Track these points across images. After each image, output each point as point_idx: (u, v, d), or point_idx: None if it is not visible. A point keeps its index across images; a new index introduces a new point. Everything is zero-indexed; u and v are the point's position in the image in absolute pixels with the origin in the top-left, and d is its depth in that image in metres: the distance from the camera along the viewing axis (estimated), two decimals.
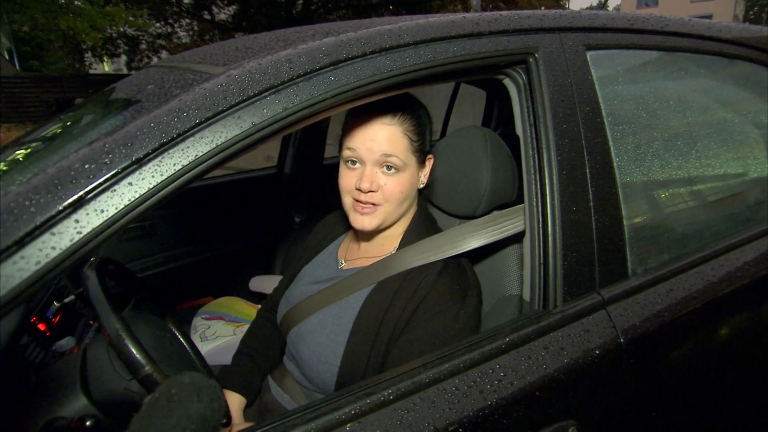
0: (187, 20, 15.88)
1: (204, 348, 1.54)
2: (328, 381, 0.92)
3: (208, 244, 2.18)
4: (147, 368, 0.79)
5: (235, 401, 1.07)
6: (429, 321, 0.88)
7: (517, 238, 1.00)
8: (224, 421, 0.57)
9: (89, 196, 0.58)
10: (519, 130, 0.92)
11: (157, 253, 2.07)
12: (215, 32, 15.76)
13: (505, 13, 0.93)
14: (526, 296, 0.92)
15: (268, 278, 2.05)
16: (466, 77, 0.92)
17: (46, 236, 0.55)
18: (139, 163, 0.61)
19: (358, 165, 0.94)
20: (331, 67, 0.73)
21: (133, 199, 0.60)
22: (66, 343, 1.24)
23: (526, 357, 0.80)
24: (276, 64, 0.71)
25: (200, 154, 0.64)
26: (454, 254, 0.95)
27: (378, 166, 0.93)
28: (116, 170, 0.59)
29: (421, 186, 1.02)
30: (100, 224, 0.58)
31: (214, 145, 0.65)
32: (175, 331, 1.14)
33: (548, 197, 0.87)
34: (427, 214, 1.08)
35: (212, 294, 2.03)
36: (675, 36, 1.06)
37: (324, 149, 2.38)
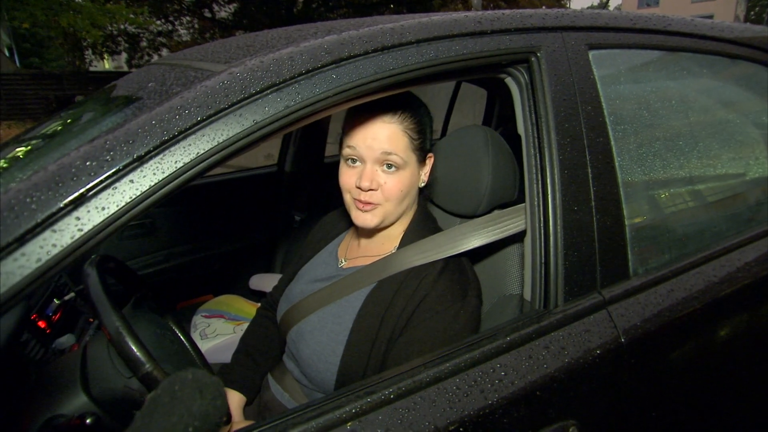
0: (188, 18, 15.86)
1: (204, 346, 1.54)
2: (328, 380, 0.92)
3: (208, 242, 2.18)
4: (147, 366, 0.79)
5: (234, 399, 1.07)
6: (429, 320, 0.88)
7: (518, 237, 1.00)
8: (224, 419, 0.56)
9: (90, 193, 0.57)
10: (521, 130, 0.92)
11: (157, 251, 2.07)
12: (216, 30, 15.74)
13: (507, 12, 0.92)
14: (527, 296, 0.91)
15: (268, 276, 2.05)
16: (468, 76, 0.91)
17: (47, 233, 0.55)
18: (141, 160, 0.60)
19: (358, 163, 0.94)
20: (333, 65, 0.73)
21: (134, 197, 0.59)
22: (66, 340, 1.24)
23: (527, 356, 0.80)
24: (278, 61, 0.71)
25: (201, 151, 0.64)
26: (454, 253, 0.95)
27: (378, 165, 0.93)
28: (117, 167, 0.59)
29: (422, 185, 1.02)
30: (101, 222, 0.58)
31: (216, 143, 0.65)
32: (175, 329, 1.14)
33: (549, 197, 0.87)
34: (428, 213, 1.08)
35: (212, 292, 2.03)
36: (677, 36, 1.06)
37: (324, 148, 2.37)
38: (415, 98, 0.98)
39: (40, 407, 0.84)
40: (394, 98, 0.90)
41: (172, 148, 0.62)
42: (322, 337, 0.95)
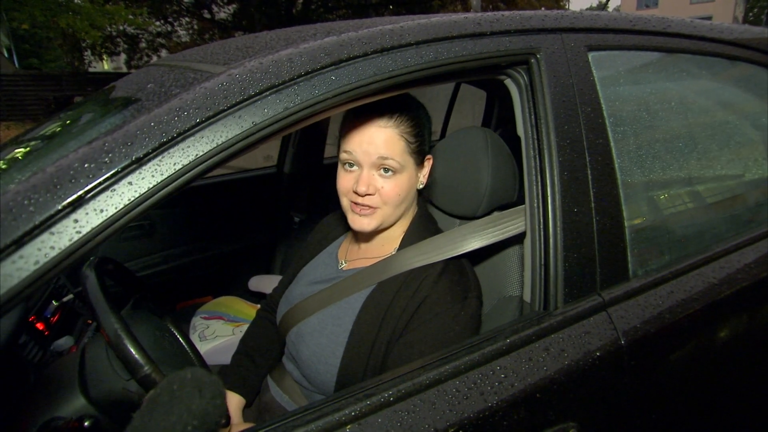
0: (187, 19, 15.86)
1: (203, 348, 1.54)
2: (328, 382, 0.92)
3: (207, 244, 2.18)
4: (146, 368, 0.79)
5: (234, 401, 1.07)
6: (429, 322, 0.88)
7: (517, 239, 1.00)
8: (223, 421, 0.56)
9: (89, 195, 0.57)
10: (520, 131, 0.92)
11: (156, 253, 2.06)
12: (215, 31, 15.75)
13: (507, 13, 0.92)
14: (527, 297, 0.91)
15: (267, 278, 2.05)
16: (468, 77, 0.91)
17: (45, 236, 0.55)
18: (139, 162, 0.60)
19: (355, 168, 0.94)
20: (333, 67, 0.73)
21: (132, 199, 0.59)
22: (64, 342, 1.24)
23: (527, 358, 0.80)
24: (277, 63, 0.71)
25: (201, 153, 0.64)
26: (454, 255, 0.95)
27: (375, 169, 0.93)
28: (116, 169, 0.59)
29: (421, 187, 1.02)
30: (100, 224, 0.57)
31: (215, 145, 0.64)
32: (174, 331, 1.14)
33: (549, 198, 0.87)
34: (428, 214, 1.08)
35: (211, 293, 2.03)
36: (677, 37, 1.06)
37: (324, 149, 2.37)
38: (412, 100, 0.98)
39: (38, 409, 0.84)
40: (390, 101, 0.90)
41: (171, 150, 0.62)
42: (322, 339, 0.94)
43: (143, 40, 15.36)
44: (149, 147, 0.61)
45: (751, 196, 1.25)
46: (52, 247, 0.55)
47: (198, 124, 0.64)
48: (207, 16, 15.56)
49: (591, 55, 0.96)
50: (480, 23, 0.86)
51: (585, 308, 0.87)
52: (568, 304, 0.86)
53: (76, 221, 0.56)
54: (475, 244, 0.97)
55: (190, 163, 0.63)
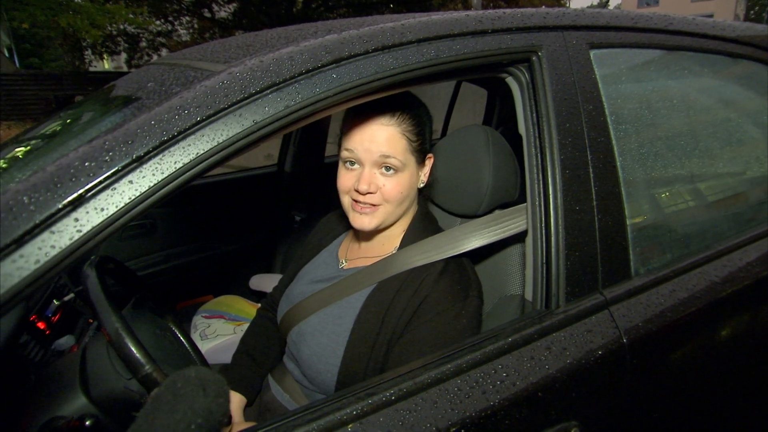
0: (188, 18, 15.84)
1: (204, 347, 1.54)
2: (329, 381, 0.91)
3: (208, 243, 2.18)
4: (147, 367, 0.79)
5: (235, 400, 1.07)
6: (430, 321, 0.87)
7: (519, 237, 1.00)
8: (225, 420, 0.56)
9: (89, 194, 0.57)
10: (522, 129, 0.92)
11: (157, 252, 2.06)
12: (215, 30, 15.73)
13: (508, 11, 0.92)
14: (529, 296, 0.91)
15: (268, 277, 2.05)
16: (469, 75, 0.91)
17: (45, 235, 0.55)
18: (140, 161, 0.60)
19: (356, 166, 0.94)
20: (334, 65, 0.73)
21: (133, 198, 0.59)
22: (65, 341, 1.24)
23: (529, 357, 0.80)
24: (278, 61, 0.71)
25: (201, 152, 0.63)
26: (455, 254, 0.95)
27: (376, 167, 0.92)
28: (116, 168, 0.59)
29: (422, 185, 1.01)
30: (100, 223, 0.57)
31: (216, 143, 0.64)
32: (175, 330, 1.14)
33: (551, 196, 0.86)
34: (428, 213, 1.08)
35: (212, 292, 2.03)
36: (679, 35, 1.06)
37: (324, 148, 2.37)
38: (413, 99, 0.98)
39: (39, 409, 0.84)
40: (391, 100, 0.89)
41: (172, 149, 0.62)
42: (323, 338, 0.94)
43: (144, 39, 15.35)
44: (150, 145, 0.61)
45: (753, 194, 1.25)
46: (53, 246, 0.55)
47: (199, 122, 0.64)
48: (207, 15, 15.54)
49: (593, 53, 0.95)
50: (481, 21, 0.86)
51: (587, 307, 0.86)
52: (570, 302, 0.86)
53: (76, 220, 0.56)
54: (476, 242, 0.96)
55: (190, 161, 0.63)
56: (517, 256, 1.02)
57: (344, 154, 0.94)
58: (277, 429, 0.66)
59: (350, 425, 0.67)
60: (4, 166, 0.82)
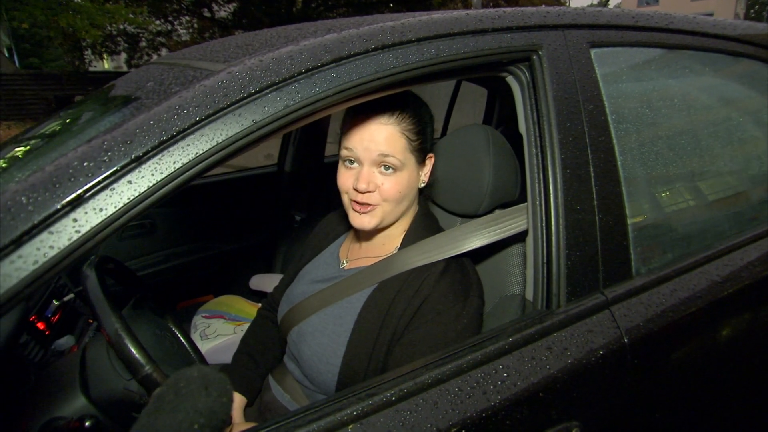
0: (187, 18, 15.82)
1: (204, 347, 1.54)
2: (329, 381, 0.91)
3: (208, 243, 2.18)
4: (147, 368, 0.79)
5: (235, 401, 1.06)
6: (431, 322, 0.87)
7: (519, 237, 1.00)
8: (227, 419, 0.56)
9: (88, 194, 0.57)
10: (522, 128, 0.92)
11: (157, 252, 2.06)
12: (215, 30, 15.71)
13: (508, 10, 0.92)
14: (529, 296, 0.91)
15: (268, 277, 2.05)
16: (469, 75, 0.91)
17: (44, 235, 0.54)
18: (139, 161, 0.60)
19: (355, 165, 0.93)
20: (333, 64, 0.72)
21: (132, 198, 0.59)
22: (65, 342, 1.24)
23: (530, 357, 0.79)
24: (277, 60, 0.70)
25: (200, 152, 0.63)
26: (456, 254, 0.94)
27: (375, 166, 0.92)
28: (115, 168, 0.58)
29: (422, 185, 1.01)
30: (99, 223, 0.57)
31: (215, 143, 0.64)
32: (175, 330, 1.14)
33: (551, 196, 0.86)
34: (429, 213, 1.07)
35: (212, 292, 2.03)
36: (679, 33, 1.06)
37: (324, 147, 2.37)
38: (414, 98, 0.98)
39: (39, 409, 0.84)
40: (392, 98, 0.89)
41: (171, 149, 0.62)
42: (323, 338, 0.94)
43: (143, 39, 15.33)
44: (149, 145, 0.60)
45: (755, 194, 1.24)
46: (51, 247, 0.55)
47: (198, 122, 0.63)
48: (207, 14, 15.52)
49: (593, 52, 0.95)
50: (482, 20, 0.86)
51: (588, 307, 0.86)
52: (571, 302, 0.86)
53: (75, 220, 0.56)
54: (476, 242, 0.96)
55: (190, 161, 0.62)
56: (518, 255, 1.02)
57: (344, 152, 0.94)
58: (278, 429, 0.66)
59: (351, 426, 0.67)
60: (3, 166, 0.82)
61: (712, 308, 0.97)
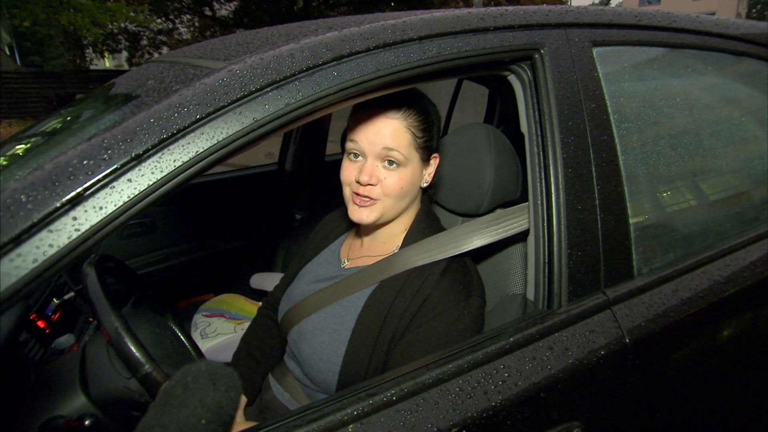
0: (188, 16, 15.83)
1: (204, 345, 1.53)
2: (330, 380, 0.91)
3: (208, 241, 2.18)
4: (147, 367, 0.79)
5: None
6: (432, 321, 0.87)
7: (521, 236, 0.99)
8: (234, 414, 0.56)
9: (87, 192, 0.57)
10: (524, 128, 0.91)
11: (157, 250, 2.06)
12: (216, 28, 15.71)
13: (510, 8, 0.91)
14: (530, 296, 0.91)
15: (269, 275, 2.05)
16: (471, 73, 0.91)
17: (43, 233, 0.54)
18: (139, 159, 0.59)
19: (359, 158, 0.93)
20: (334, 62, 0.72)
21: (132, 196, 0.58)
22: (65, 340, 1.24)
23: (531, 357, 0.79)
24: (278, 58, 0.70)
25: (201, 150, 0.63)
26: (457, 253, 0.94)
27: (379, 160, 0.92)
28: (115, 166, 0.58)
29: (425, 185, 1.01)
30: (99, 221, 0.57)
31: (215, 141, 0.64)
32: (176, 329, 1.13)
33: (553, 195, 0.86)
34: (431, 212, 1.07)
35: (213, 291, 2.03)
36: (682, 32, 1.05)
37: (325, 146, 2.37)
38: (422, 96, 0.97)
39: (39, 408, 0.84)
40: (400, 94, 0.89)
41: (171, 147, 0.61)
42: (324, 337, 0.94)
43: (145, 37, 15.34)
44: (149, 144, 0.60)
45: (756, 193, 1.24)
46: (51, 245, 0.54)
47: (198, 120, 0.63)
48: (208, 13, 15.53)
49: (595, 51, 0.95)
50: (483, 18, 0.85)
51: (589, 306, 0.86)
52: (572, 302, 0.86)
53: (75, 219, 0.56)
54: (477, 242, 0.96)
55: (190, 160, 0.62)
56: (519, 255, 1.02)
57: (349, 145, 0.94)
58: (278, 429, 0.66)
59: (351, 425, 0.67)
60: (3, 163, 0.82)
61: (713, 308, 0.96)
